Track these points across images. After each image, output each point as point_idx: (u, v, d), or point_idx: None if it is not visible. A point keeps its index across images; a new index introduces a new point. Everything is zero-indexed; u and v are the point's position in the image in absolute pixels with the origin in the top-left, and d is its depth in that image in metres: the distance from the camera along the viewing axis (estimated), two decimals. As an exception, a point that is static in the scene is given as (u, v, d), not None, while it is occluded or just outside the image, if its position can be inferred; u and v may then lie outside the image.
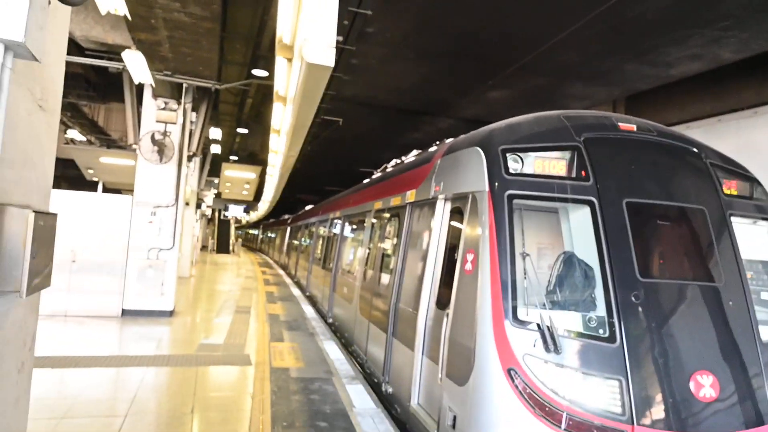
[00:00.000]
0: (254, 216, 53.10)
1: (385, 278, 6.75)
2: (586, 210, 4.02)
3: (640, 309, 3.69)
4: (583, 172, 4.06)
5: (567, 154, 4.12)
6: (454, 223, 4.84)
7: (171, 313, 10.43)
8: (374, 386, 6.42)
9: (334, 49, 3.69)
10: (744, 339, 3.87)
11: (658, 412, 3.47)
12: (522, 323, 3.62)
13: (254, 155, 24.12)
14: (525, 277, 3.74)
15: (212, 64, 9.15)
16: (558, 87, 11.23)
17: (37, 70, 2.30)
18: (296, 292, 16.34)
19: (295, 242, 21.32)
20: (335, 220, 12.25)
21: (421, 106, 13.32)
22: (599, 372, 3.51)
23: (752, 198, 4.64)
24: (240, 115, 16.78)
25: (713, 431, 3.50)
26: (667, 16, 7.37)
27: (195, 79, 9.93)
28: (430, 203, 5.38)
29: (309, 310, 12.47)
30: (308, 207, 22.18)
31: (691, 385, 3.55)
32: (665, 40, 8.10)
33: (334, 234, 11.96)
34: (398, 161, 8.73)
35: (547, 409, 3.43)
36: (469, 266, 4.06)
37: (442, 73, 10.91)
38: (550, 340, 3.51)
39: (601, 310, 3.75)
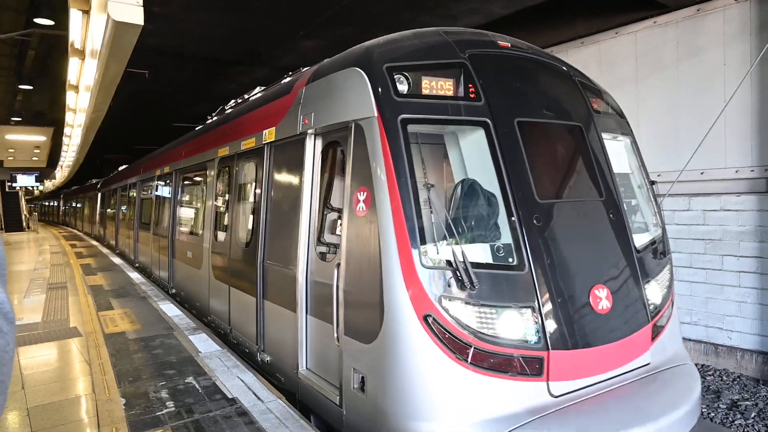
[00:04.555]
0: (50, 185, 46.39)
1: (244, 235, 6.12)
2: (480, 133, 3.77)
3: (541, 232, 3.63)
4: (472, 92, 3.77)
5: (454, 72, 3.80)
6: (332, 160, 4.49)
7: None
8: (246, 357, 5.86)
9: (142, 8, 3.68)
10: (624, 249, 4.00)
11: (568, 332, 3.49)
12: (433, 263, 3.37)
13: (42, 115, 20.96)
14: (431, 212, 3.46)
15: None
16: (365, 36, 11.82)
17: None
18: (118, 260, 15.27)
19: (111, 209, 19.38)
20: (164, 178, 10.85)
21: (234, 56, 12.99)
22: (513, 302, 3.43)
23: (611, 114, 4.77)
24: (21, 69, 14.47)
25: (612, 339, 3.65)
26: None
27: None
28: (297, 141, 4.78)
29: (136, 276, 11.91)
30: (122, 167, 19.97)
31: (591, 300, 3.62)
32: (447, -4, 9.24)
33: (165, 193, 10.73)
34: (239, 100, 7.76)
35: (469, 351, 3.27)
36: (361, 207, 3.67)
37: (253, 23, 10.81)
38: (465, 277, 3.27)
39: (506, 238, 3.61)
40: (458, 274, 3.29)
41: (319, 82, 4.53)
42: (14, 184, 34.81)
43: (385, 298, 3.40)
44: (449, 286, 3.33)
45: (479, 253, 3.56)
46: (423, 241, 3.38)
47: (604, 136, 4.45)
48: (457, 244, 3.36)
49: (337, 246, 4.26)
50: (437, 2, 9.35)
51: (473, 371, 3.26)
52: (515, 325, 3.39)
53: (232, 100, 8.22)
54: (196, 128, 9.95)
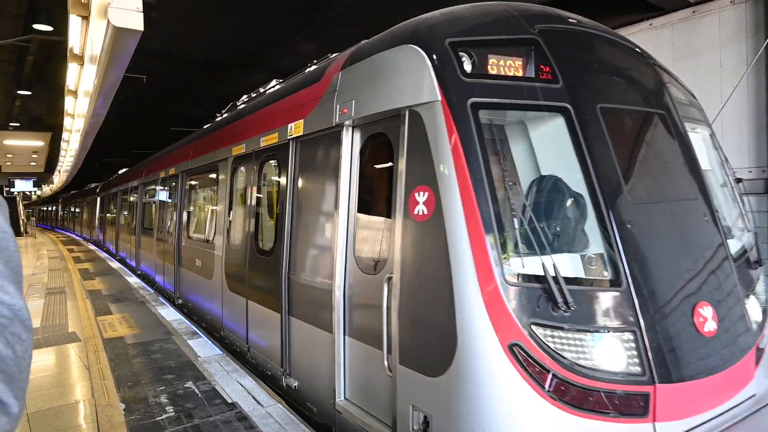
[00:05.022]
0: (48, 190, 46.32)
1: (264, 242, 5.49)
2: (558, 121, 3.20)
3: (636, 239, 3.01)
4: (547, 73, 3.23)
5: (524, 50, 3.25)
6: (375, 156, 3.85)
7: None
8: (267, 380, 5.21)
9: (142, 14, 3.71)
10: (723, 259, 3.33)
11: (674, 360, 2.83)
12: (519, 278, 2.80)
13: (40, 120, 20.98)
14: (513, 216, 2.89)
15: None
16: (366, 37, 11.97)
17: None
18: (116, 264, 15.25)
19: (111, 213, 19.17)
20: (170, 180, 10.13)
21: (232, 59, 13.03)
22: (612, 326, 2.80)
23: (690, 103, 4.14)
24: (19, 74, 14.48)
25: (721, 367, 2.99)
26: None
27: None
28: (331, 134, 4.19)
29: (135, 281, 11.90)
30: (123, 170, 19.58)
31: (695, 320, 2.97)
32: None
33: (171, 196, 9.99)
34: (254, 94, 7.06)
35: (566, 389, 2.68)
36: (420, 210, 3.10)
37: (251, 26, 10.84)
38: (560, 296, 2.70)
39: (597, 246, 3.01)
40: (551, 293, 2.71)
41: (360, 66, 3.89)
42: (12, 189, 34.78)
43: (459, 321, 2.80)
44: (539, 307, 2.74)
45: (568, 265, 3.00)
46: (505, 251, 2.82)
47: (687, 126, 3.79)
48: (546, 254, 2.80)
49: (383, 256, 3.62)
50: (437, 3, 9.37)
51: (571, 413, 2.66)
52: (616, 354, 2.77)
53: (245, 96, 7.55)
54: (205, 126, 9.23)
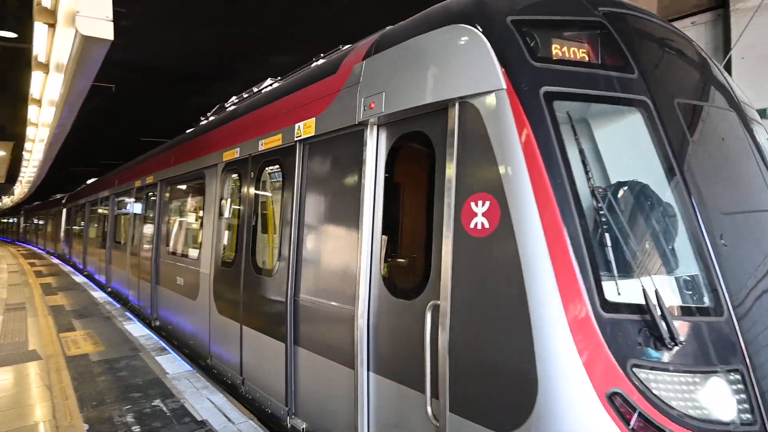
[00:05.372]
0: (9, 201, 44.77)
1: (263, 260, 4.94)
2: (635, 117, 2.72)
3: (730, 256, 2.53)
4: (618, 61, 2.77)
5: (590, 35, 2.80)
6: (412, 157, 3.30)
7: None
8: (268, 419, 4.56)
9: (112, 23, 3.63)
10: None
11: None
12: (614, 308, 2.26)
13: (1, 129, 20.28)
14: (605, 230, 2.39)
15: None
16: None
17: None
18: (81, 279, 14.78)
19: (79, 226, 18.51)
20: (147, 190, 9.39)
21: (204, 70, 12.90)
22: (718, 365, 2.30)
23: (747, 103, 3.70)
24: (-21, 82, 14.01)
25: None
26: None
27: None
28: (351, 134, 3.63)
29: (101, 295, 11.55)
30: (92, 180, 18.79)
31: None
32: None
33: (149, 207, 9.24)
34: (245, 95, 6.40)
35: None
36: (479, 223, 2.57)
37: (223, 38, 10.77)
38: (666, 328, 2.21)
39: (690, 267, 2.49)
40: (654, 325, 2.22)
41: (392, 52, 3.32)
42: (-30, 201, 33.47)
43: (540, 363, 2.23)
44: (640, 344, 2.22)
45: (667, 290, 2.43)
46: (596, 274, 2.29)
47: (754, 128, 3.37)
48: (645, 277, 2.35)
49: (421, 279, 3.03)
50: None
51: None
52: (725, 399, 2.25)
53: (234, 97, 6.89)
54: (188, 131, 8.42)
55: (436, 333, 2.75)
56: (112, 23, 3.57)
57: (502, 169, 2.50)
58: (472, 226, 2.61)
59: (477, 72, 2.68)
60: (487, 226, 2.53)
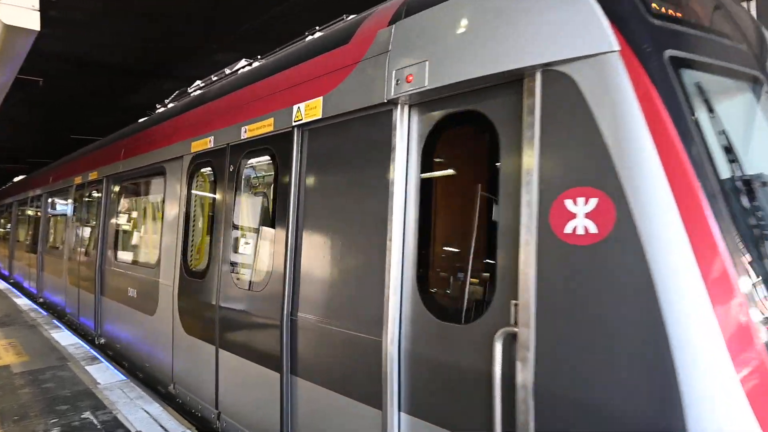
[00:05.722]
0: None
1: (250, 271, 4.14)
2: (747, 96, 2.34)
3: None
4: (734, 29, 2.37)
5: None
6: (461, 144, 2.84)
7: None
8: None
9: (39, 13, 3.40)
10: None
11: None
12: None
13: None
14: (761, 234, 1.94)
15: None
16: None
17: None
18: (2, 285, 13.80)
19: (3, 228, 17.20)
20: (89, 187, 8.46)
21: (142, 66, 12.39)
22: None
23: None
24: None
25: None
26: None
27: None
28: (374, 115, 2.98)
29: (25, 302, 10.83)
30: (20, 177, 17.44)
31: None
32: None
33: (92, 208, 8.28)
34: (214, 78, 5.63)
35: None
36: (578, 226, 2.01)
37: (163, 34, 10.40)
38: None
39: None
40: None
41: (435, 12, 2.69)
42: None
43: (693, 418, 1.66)
44: None
45: None
46: (757, 293, 1.84)
47: None
48: None
49: (478, 297, 2.54)
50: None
51: None
52: None
53: (198, 81, 5.99)
54: (141, 119, 7.40)
55: (511, 369, 2.16)
56: (38, 12, 3.36)
57: (616, 156, 1.91)
58: (569, 230, 2.03)
59: (572, 30, 2.08)
60: (593, 230, 1.96)
